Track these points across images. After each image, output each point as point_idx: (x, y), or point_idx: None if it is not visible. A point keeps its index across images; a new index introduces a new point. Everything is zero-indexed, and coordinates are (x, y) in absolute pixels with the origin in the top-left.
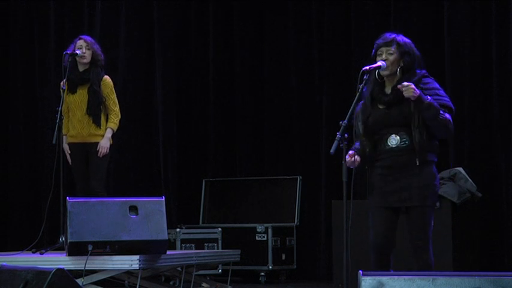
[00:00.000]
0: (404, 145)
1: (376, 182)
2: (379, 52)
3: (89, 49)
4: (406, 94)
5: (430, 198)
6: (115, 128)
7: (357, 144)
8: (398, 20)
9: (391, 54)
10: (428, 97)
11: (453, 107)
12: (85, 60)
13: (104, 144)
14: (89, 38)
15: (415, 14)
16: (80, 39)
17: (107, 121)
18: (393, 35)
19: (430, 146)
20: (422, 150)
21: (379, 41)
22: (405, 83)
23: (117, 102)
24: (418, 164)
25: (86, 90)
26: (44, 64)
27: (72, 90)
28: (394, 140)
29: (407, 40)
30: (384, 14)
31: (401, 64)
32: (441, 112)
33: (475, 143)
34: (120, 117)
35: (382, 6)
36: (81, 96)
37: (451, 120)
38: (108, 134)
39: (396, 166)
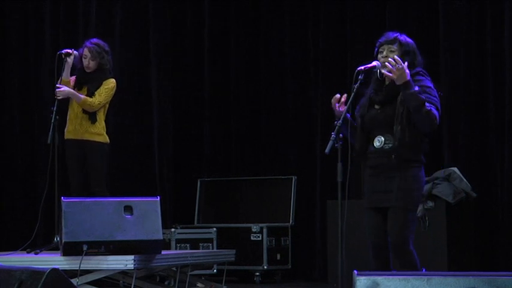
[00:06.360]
0: (387, 147)
1: (365, 183)
2: (380, 50)
3: (93, 60)
4: (392, 75)
5: (410, 201)
6: (86, 102)
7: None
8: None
9: (393, 52)
10: (416, 87)
11: (439, 107)
12: (89, 70)
13: (65, 89)
14: (94, 47)
15: (410, 15)
16: (86, 47)
17: (104, 120)
18: (396, 34)
19: (415, 144)
20: (402, 147)
21: (381, 39)
22: (400, 64)
23: (104, 98)
24: (393, 158)
25: (87, 89)
26: (40, 64)
27: (78, 86)
28: (378, 141)
29: (409, 40)
30: (379, 14)
31: None
32: (427, 105)
33: (470, 143)
34: (94, 106)
35: (377, 7)
36: (83, 94)
37: (437, 115)
38: (77, 94)
39: (380, 167)
